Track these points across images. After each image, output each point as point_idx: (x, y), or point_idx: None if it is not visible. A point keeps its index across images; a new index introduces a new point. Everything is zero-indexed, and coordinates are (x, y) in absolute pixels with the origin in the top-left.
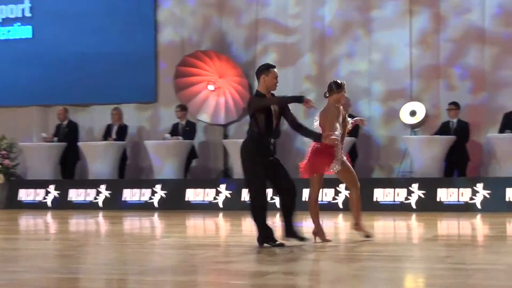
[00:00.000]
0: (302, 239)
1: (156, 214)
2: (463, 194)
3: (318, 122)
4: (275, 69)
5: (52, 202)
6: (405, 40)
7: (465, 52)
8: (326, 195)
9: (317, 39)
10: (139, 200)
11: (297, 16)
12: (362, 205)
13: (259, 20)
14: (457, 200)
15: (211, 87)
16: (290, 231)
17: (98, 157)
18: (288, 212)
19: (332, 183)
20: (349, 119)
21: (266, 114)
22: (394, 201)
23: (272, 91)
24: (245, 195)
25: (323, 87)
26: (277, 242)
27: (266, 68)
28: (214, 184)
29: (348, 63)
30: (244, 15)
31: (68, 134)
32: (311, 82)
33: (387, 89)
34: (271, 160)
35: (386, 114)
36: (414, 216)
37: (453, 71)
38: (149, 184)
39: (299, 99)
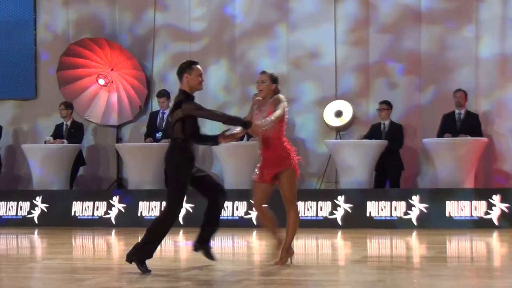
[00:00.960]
0: (212, 258)
1: (36, 232)
2: (396, 208)
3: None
4: (199, 66)
5: None
6: (330, 34)
7: (399, 42)
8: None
9: (227, 42)
10: (16, 215)
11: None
12: (277, 219)
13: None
14: (389, 215)
15: (101, 82)
16: (207, 242)
17: None
18: (215, 220)
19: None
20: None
21: (195, 119)
22: (316, 216)
23: (196, 91)
24: (142, 209)
25: (243, 99)
26: (147, 269)
27: (188, 66)
28: (105, 196)
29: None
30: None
31: None
32: (227, 93)
33: (311, 87)
34: (197, 168)
35: (308, 115)
36: (340, 233)
37: (385, 65)
38: (28, 196)
39: (245, 125)
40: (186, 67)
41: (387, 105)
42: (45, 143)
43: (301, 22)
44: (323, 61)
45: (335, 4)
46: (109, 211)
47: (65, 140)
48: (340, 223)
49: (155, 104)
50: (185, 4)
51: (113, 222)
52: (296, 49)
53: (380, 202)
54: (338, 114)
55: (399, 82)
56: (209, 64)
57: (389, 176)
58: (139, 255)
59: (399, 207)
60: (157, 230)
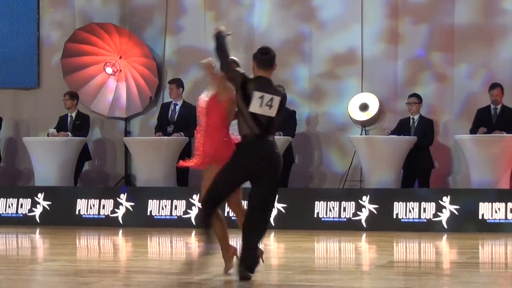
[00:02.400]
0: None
1: (37, 231)
2: (425, 210)
3: None
4: None
5: None
6: (357, 24)
7: (430, 33)
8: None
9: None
10: (16, 213)
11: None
12: (301, 221)
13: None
14: (418, 217)
15: (109, 70)
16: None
17: None
18: None
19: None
20: None
21: None
22: (339, 217)
23: None
24: (152, 208)
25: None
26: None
27: None
28: (112, 194)
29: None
30: None
31: None
32: None
33: (331, 78)
34: None
35: (331, 108)
36: (364, 236)
37: (415, 57)
38: (29, 192)
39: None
40: None
41: (417, 98)
42: (48, 136)
43: (327, 13)
44: (349, 51)
45: None
46: (116, 209)
47: (69, 133)
48: (364, 225)
49: (166, 95)
50: None
51: (120, 221)
52: (321, 38)
53: (408, 203)
54: (364, 107)
55: (429, 74)
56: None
57: (418, 175)
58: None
59: (429, 209)
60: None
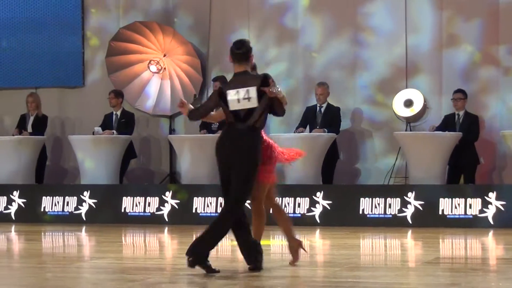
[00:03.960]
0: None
1: (83, 229)
2: (471, 206)
3: None
4: None
5: None
6: (401, 19)
7: (475, 26)
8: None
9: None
10: (62, 211)
11: None
12: (347, 217)
13: None
14: (464, 213)
15: (153, 68)
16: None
17: (9, 156)
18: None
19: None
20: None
21: None
22: (384, 214)
23: None
24: (197, 205)
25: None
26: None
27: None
28: (158, 192)
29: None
30: None
31: None
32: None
33: (377, 75)
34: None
35: (375, 104)
36: (410, 232)
37: (459, 51)
38: (75, 190)
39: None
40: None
41: (462, 94)
42: (93, 134)
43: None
44: (392, 47)
45: None
46: (161, 207)
47: (114, 131)
48: (410, 221)
49: (210, 93)
50: None
51: (166, 219)
52: (365, 33)
53: (453, 199)
54: (408, 103)
55: (474, 70)
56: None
57: (464, 171)
58: None
59: (474, 205)
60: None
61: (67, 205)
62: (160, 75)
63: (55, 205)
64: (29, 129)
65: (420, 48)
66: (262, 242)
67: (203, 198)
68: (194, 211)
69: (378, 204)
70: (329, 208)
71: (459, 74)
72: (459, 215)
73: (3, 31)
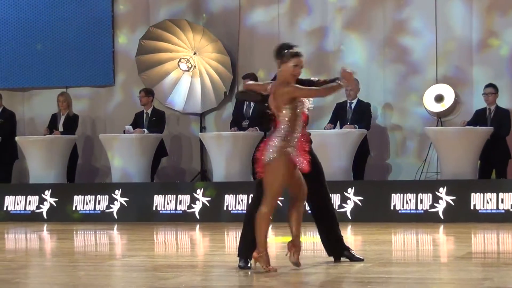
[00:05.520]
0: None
1: (115, 227)
2: (503, 201)
3: None
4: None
5: None
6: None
7: (506, 19)
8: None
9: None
10: (94, 210)
11: None
12: (378, 213)
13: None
14: (495, 208)
15: (183, 66)
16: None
17: (41, 156)
18: None
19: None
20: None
21: None
22: (416, 209)
23: None
24: (228, 202)
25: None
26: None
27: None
28: (189, 189)
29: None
30: None
31: (2, 126)
32: None
33: (406, 70)
34: None
35: (405, 100)
36: (441, 228)
37: (490, 45)
38: (106, 189)
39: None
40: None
41: (493, 88)
42: (124, 132)
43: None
44: (423, 42)
45: None
46: (192, 205)
47: (145, 130)
48: (441, 216)
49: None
50: None
51: (197, 217)
52: (394, 30)
53: (485, 194)
54: (439, 98)
55: (505, 64)
56: None
57: (495, 166)
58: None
59: (507, 199)
60: None
61: (99, 203)
62: (190, 73)
63: (87, 203)
64: (60, 128)
65: (450, 42)
66: (285, 239)
67: (234, 195)
68: (225, 208)
69: (410, 199)
70: (360, 204)
71: (490, 68)
72: (491, 209)
73: (39, 35)
